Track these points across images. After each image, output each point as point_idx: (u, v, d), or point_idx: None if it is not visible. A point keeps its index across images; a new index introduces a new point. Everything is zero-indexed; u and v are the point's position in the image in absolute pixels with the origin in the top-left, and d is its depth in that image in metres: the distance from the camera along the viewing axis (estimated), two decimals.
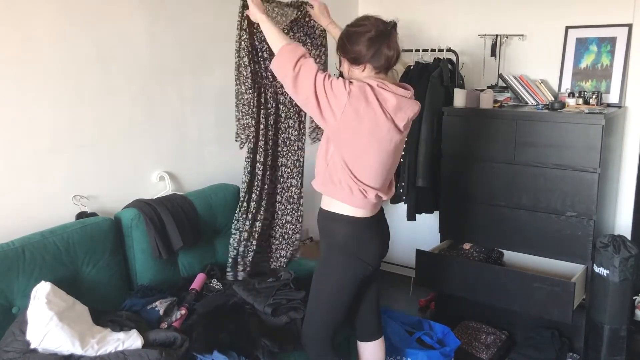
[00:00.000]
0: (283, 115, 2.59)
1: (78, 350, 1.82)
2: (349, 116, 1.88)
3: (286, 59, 1.92)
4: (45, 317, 1.83)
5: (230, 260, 2.57)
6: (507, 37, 3.37)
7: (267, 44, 2.17)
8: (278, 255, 2.74)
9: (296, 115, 2.62)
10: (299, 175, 2.68)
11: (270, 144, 2.57)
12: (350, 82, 1.91)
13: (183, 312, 2.22)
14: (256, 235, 2.57)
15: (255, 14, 2.12)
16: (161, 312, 2.17)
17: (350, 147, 1.94)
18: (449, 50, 3.43)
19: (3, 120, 2.17)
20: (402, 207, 3.66)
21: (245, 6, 2.24)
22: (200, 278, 2.48)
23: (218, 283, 2.52)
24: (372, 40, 1.95)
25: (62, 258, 2.13)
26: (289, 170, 2.67)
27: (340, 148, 1.96)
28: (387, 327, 2.74)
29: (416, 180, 3.33)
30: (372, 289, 2.28)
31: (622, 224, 3.24)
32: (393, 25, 2.02)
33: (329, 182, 2.00)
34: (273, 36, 2.02)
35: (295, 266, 2.73)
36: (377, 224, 2.09)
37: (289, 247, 2.73)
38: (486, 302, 3.07)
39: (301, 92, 1.91)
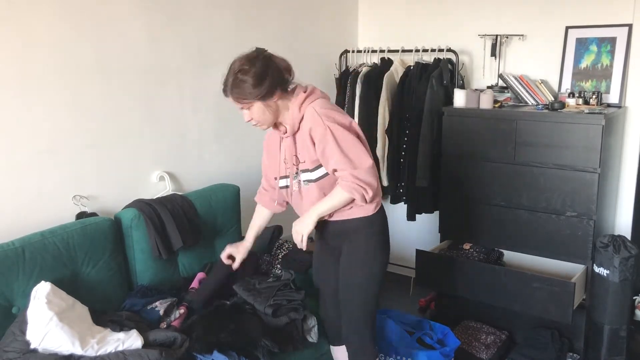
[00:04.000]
0: None
1: (78, 351, 1.82)
2: (355, 130, 2.05)
3: (346, 193, 1.99)
4: (45, 317, 1.83)
5: None
6: (507, 37, 3.37)
7: None
8: None
9: None
10: None
11: None
12: (329, 120, 1.97)
13: (182, 311, 2.22)
14: None
15: (311, 225, 2.07)
16: (161, 312, 2.17)
17: None
18: (449, 50, 3.43)
19: (3, 120, 2.18)
20: (402, 207, 3.66)
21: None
22: (199, 277, 2.48)
23: None
24: (266, 67, 1.97)
25: (62, 258, 2.13)
26: None
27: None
28: (387, 327, 2.74)
29: (416, 180, 3.33)
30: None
31: (622, 224, 3.23)
32: (260, 49, 2.07)
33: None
34: (330, 204, 2.04)
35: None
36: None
37: None
38: (486, 302, 3.07)
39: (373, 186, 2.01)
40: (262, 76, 1.93)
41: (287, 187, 2.16)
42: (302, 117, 2.01)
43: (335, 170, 1.98)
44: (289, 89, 2.04)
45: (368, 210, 2.07)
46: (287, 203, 2.26)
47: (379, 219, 2.12)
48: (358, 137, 2.00)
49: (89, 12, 2.40)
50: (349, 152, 1.95)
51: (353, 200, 2.00)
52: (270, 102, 1.98)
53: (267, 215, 2.37)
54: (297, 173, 2.08)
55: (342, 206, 2.03)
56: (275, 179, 2.19)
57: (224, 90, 1.99)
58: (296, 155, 2.06)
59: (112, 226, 2.33)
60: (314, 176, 2.05)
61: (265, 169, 2.30)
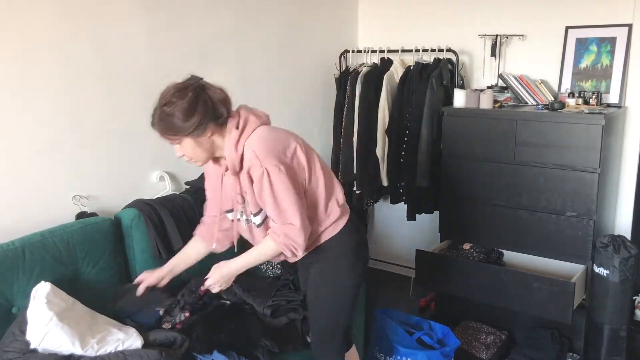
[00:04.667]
0: None
1: (78, 350, 1.82)
2: (294, 167, 1.87)
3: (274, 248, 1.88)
4: (45, 317, 1.83)
5: None
6: (507, 37, 3.37)
7: None
8: None
9: None
10: None
11: None
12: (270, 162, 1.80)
13: (187, 314, 2.21)
14: None
15: (232, 279, 1.98)
16: (161, 313, 2.17)
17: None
18: (449, 50, 3.43)
19: (3, 120, 2.17)
20: (402, 207, 3.66)
21: None
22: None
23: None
24: (196, 100, 1.77)
25: (62, 258, 2.13)
26: None
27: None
28: (387, 327, 2.74)
29: (416, 180, 3.34)
30: None
31: (622, 224, 3.23)
32: (195, 77, 1.87)
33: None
34: (259, 257, 1.95)
35: None
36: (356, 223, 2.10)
37: None
38: (486, 302, 3.07)
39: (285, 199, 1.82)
40: (190, 111, 1.74)
41: (233, 220, 2.03)
42: (242, 157, 1.83)
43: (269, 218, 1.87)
44: (225, 123, 1.83)
45: (333, 230, 1.98)
46: (232, 242, 2.10)
47: (344, 237, 2.00)
48: (294, 178, 1.82)
49: (89, 12, 2.40)
50: (282, 204, 1.79)
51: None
52: (201, 138, 1.79)
53: (201, 251, 2.14)
54: (242, 212, 1.96)
55: (274, 257, 1.94)
56: (219, 214, 2.04)
57: (151, 123, 1.80)
58: (241, 194, 1.91)
59: (112, 226, 2.33)
60: (257, 221, 1.92)
61: (208, 201, 2.11)
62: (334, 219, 1.98)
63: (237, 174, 1.87)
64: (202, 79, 1.85)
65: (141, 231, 2.39)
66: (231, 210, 2.01)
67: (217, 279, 1.94)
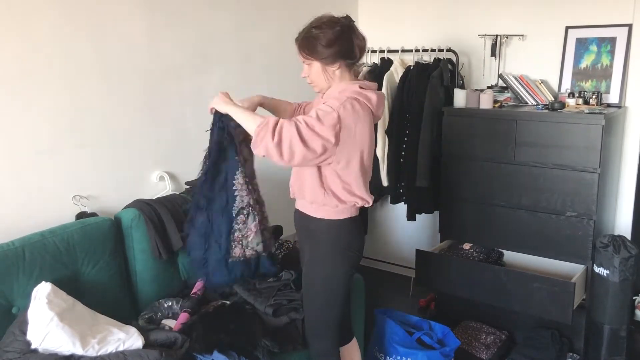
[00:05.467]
0: None
1: (79, 351, 1.82)
2: (343, 137, 1.91)
3: (262, 137, 1.86)
4: (46, 318, 1.83)
5: None
6: (507, 37, 3.37)
7: None
8: None
9: None
10: None
11: None
12: (339, 107, 1.88)
13: (185, 316, 2.21)
14: None
15: (222, 106, 2.04)
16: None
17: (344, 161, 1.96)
18: (449, 50, 3.43)
19: (4, 120, 2.17)
20: (402, 207, 3.66)
21: None
22: (201, 282, 2.48)
23: None
24: (341, 35, 1.96)
25: (62, 258, 2.13)
26: None
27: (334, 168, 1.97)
28: (387, 327, 2.74)
29: (416, 180, 3.34)
30: None
31: (622, 224, 3.24)
32: (349, 18, 2.05)
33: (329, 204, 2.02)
34: (246, 121, 1.95)
35: None
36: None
37: None
38: (486, 302, 3.07)
39: (290, 156, 1.87)
40: (332, 41, 1.94)
41: None
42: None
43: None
44: (353, 68, 2.04)
45: (331, 214, 2.03)
46: None
47: (344, 228, 2.05)
48: (335, 136, 1.87)
49: (89, 12, 2.40)
50: (313, 128, 1.85)
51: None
52: (329, 68, 1.98)
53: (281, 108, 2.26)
54: None
55: (247, 128, 1.94)
56: None
57: (296, 38, 2.03)
58: None
59: (112, 226, 2.33)
60: None
61: None
62: (344, 204, 2.02)
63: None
64: (354, 21, 2.05)
65: (141, 231, 2.38)
66: None
67: (216, 100, 2.08)
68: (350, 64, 2.02)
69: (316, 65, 1.99)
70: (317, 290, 2.11)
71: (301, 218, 2.14)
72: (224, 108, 2.02)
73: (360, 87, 1.98)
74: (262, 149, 1.88)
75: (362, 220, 3.85)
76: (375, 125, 2.13)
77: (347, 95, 1.94)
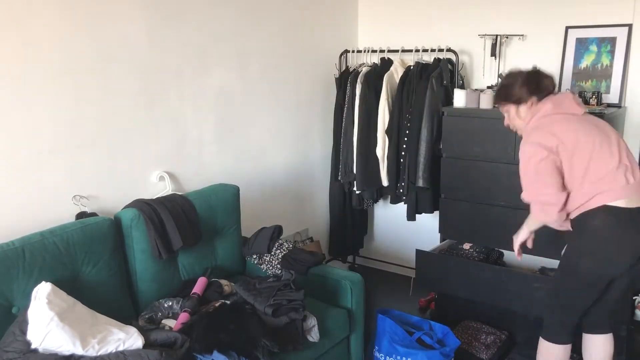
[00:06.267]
0: None
1: (79, 351, 1.82)
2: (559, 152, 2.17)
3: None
4: (46, 318, 1.83)
5: None
6: (507, 37, 3.37)
7: None
8: None
9: None
10: None
11: None
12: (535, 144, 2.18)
13: (185, 316, 2.21)
14: None
15: (521, 235, 2.42)
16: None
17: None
18: (449, 50, 3.43)
19: (3, 120, 2.17)
20: (402, 207, 3.66)
21: None
22: (201, 282, 2.48)
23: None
24: (527, 79, 2.26)
25: (62, 258, 2.12)
26: None
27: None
28: (387, 327, 2.74)
29: (416, 180, 3.34)
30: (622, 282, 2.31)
31: None
32: (535, 67, 2.38)
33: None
34: (531, 219, 2.36)
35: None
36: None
37: None
38: (486, 302, 3.07)
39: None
40: (517, 83, 2.25)
41: None
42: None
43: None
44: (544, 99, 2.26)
45: (583, 208, 2.16)
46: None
47: (588, 221, 2.15)
48: (545, 165, 2.14)
49: (89, 12, 2.40)
50: (525, 177, 2.21)
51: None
52: (521, 107, 2.26)
53: None
54: None
55: (541, 222, 2.30)
56: None
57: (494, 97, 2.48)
58: None
59: (112, 226, 2.33)
60: None
61: None
62: (584, 199, 2.14)
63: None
64: (540, 69, 2.35)
65: (141, 231, 2.38)
66: None
67: (514, 239, 2.44)
68: (540, 97, 2.24)
69: (510, 108, 2.30)
70: (559, 275, 2.34)
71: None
72: (524, 230, 2.41)
73: (537, 117, 2.24)
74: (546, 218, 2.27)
75: (362, 220, 3.86)
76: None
77: (529, 130, 2.24)
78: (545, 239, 2.96)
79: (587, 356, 2.43)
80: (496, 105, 2.45)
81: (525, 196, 2.25)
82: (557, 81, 3.24)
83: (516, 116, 2.30)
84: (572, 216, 2.21)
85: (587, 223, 2.15)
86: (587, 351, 2.42)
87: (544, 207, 2.21)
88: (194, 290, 2.43)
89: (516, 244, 2.41)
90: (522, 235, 2.39)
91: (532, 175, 2.19)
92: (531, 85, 2.24)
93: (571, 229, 2.25)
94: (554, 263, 3.01)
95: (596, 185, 2.12)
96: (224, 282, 2.60)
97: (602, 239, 2.14)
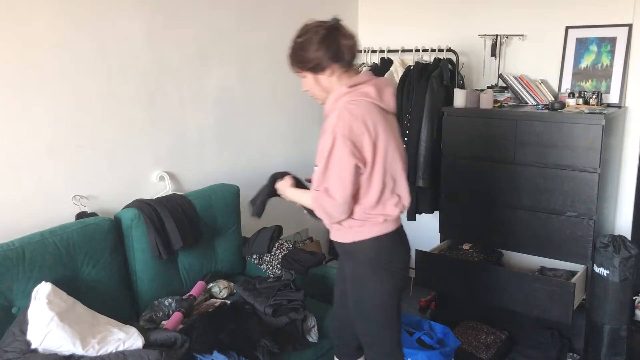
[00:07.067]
0: None
1: (79, 351, 1.82)
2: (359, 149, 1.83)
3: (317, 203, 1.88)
4: (46, 318, 1.83)
5: None
6: (507, 37, 3.37)
7: None
8: None
9: None
10: None
11: None
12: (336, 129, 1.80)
13: (178, 315, 2.22)
14: None
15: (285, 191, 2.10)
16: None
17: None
18: (449, 50, 3.43)
19: (3, 120, 2.17)
20: None
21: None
22: (199, 285, 2.48)
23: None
24: (325, 39, 1.83)
25: (62, 258, 2.12)
26: None
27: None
28: None
29: (416, 180, 3.33)
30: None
31: (622, 224, 3.23)
32: (336, 19, 1.90)
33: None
34: (300, 198, 2.03)
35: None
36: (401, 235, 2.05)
37: None
38: (486, 302, 3.07)
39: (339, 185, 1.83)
40: (315, 46, 1.82)
41: None
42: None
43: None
44: (349, 70, 1.89)
45: (356, 235, 1.92)
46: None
47: (370, 246, 1.92)
48: (355, 163, 1.80)
49: (89, 12, 2.40)
50: (331, 172, 1.81)
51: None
52: (321, 76, 1.87)
53: None
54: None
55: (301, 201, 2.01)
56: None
57: (287, 55, 1.93)
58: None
59: (112, 226, 2.33)
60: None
61: None
62: (374, 221, 1.91)
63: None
64: (340, 20, 1.90)
65: (141, 231, 2.38)
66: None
67: (279, 186, 2.11)
68: (344, 67, 1.87)
69: (308, 76, 1.90)
70: (359, 310, 2.02)
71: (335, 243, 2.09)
72: (282, 193, 2.10)
73: (350, 86, 1.85)
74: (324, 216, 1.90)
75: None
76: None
77: (340, 104, 1.84)
78: (545, 238, 2.98)
79: None
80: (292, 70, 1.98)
81: (318, 185, 1.85)
82: (557, 81, 3.26)
83: (316, 85, 1.91)
84: (340, 237, 1.97)
85: (361, 252, 1.94)
86: None
87: (326, 208, 1.86)
88: (190, 292, 2.44)
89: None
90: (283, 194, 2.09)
91: (330, 164, 1.81)
92: (330, 48, 1.83)
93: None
94: (554, 263, 3.03)
95: (380, 209, 1.90)
96: (223, 282, 2.61)
97: (376, 261, 1.94)
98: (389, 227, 1.95)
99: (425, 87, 3.28)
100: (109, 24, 2.48)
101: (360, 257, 1.96)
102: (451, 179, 3.24)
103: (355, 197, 1.88)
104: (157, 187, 2.77)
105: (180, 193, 2.71)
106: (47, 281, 1.97)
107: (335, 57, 1.84)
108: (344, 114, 1.81)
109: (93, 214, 2.42)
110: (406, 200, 2.00)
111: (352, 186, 1.83)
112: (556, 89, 3.27)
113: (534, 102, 3.18)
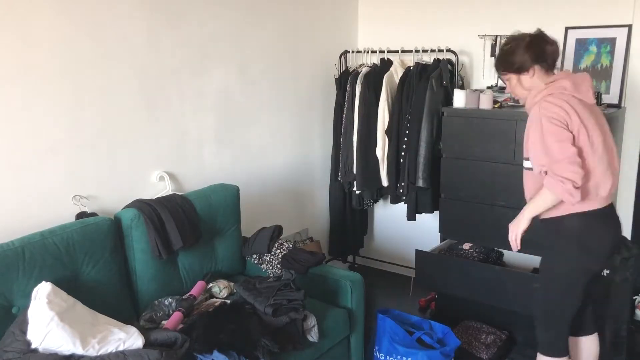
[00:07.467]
0: None
1: (79, 350, 1.82)
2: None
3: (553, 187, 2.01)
4: (46, 317, 1.82)
5: None
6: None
7: None
8: None
9: None
10: None
11: None
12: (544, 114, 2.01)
13: (178, 315, 2.21)
14: None
15: (521, 224, 2.19)
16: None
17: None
18: (448, 50, 3.43)
19: (3, 120, 2.17)
20: (402, 207, 3.66)
21: None
22: (199, 285, 2.48)
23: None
24: (530, 45, 2.11)
25: (62, 258, 2.12)
26: None
27: None
28: (387, 327, 2.74)
29: (416, 180, 3.34)
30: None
31: (622, 224, 3.23)
32: (539, 29, 2.18)
33: None
34: (541, 205, 2.12)
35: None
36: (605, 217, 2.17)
37: None
38: (486, 302, 3.07)
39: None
40: (520, 50, 2.10)
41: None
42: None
43: (541, 166, 2.03)
44: (549, 71, 2.14)
45: (559, 211, 2.08)
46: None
47: (570, 224, 2.10)
48: (567, 134, 1.99)
49: (89, 12, 2.40)
50: (552, 149, 1.97)
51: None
52: (524, 76, 2.13)
53: None
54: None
55: (552, 205, 2.07)
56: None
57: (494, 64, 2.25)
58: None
59: (112, 226, 2.33)
60: (527, 165, 2.16)
61: None
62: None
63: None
64: (544, 33, 2.17)
65: (141, 231, 2.38)
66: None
67: (510, 227, 2.23)
68: (544, 69, 2.12)
69: (512, 77, 2.16)
70: (542, 281, 2.26)
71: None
72: (526, 217, 2.17)
73: (548, 83, 2.09)
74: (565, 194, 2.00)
75: (362, 220, 3.87)
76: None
77: (539, 97, 2.06)
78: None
79: (573, 358, 2.42)
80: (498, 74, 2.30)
81: (544, 163, 2.01)
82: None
83: (518, 85, 2.17)
84: (549, 215, 2.13)
85: (563, 225, 2.12)
86: (573, 353, 2.41)
87: (566, 177, 1.97)
88: (191, 292, 2.43)
89: (518, 233, 2.18)
90: (524, 222, 2.16)
91: (547, 144, 1.99)
92: (534, 51, 2.10)
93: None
94: None
95: (589, 189, 2.05)
96: (223, 282, 2.61)
97: (576, 236, 2.12)
98: (592, 206, 2.09)
99: (425, 88, 3.29)
100: (109, 24, 2.48)
101: (556, 234, 2.15)
102: (451, 179, 3.24)
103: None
104: (157, 187, 2.77)
105: (180, 193, 2.71)
106: (47, 281, 1.97)
107: (538, 59, 2.11)
108: (544, 104, 2.04)
109: (93, 214, 2.42)
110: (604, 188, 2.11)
111: (573, 148, 1.97)
112: None
113: None
